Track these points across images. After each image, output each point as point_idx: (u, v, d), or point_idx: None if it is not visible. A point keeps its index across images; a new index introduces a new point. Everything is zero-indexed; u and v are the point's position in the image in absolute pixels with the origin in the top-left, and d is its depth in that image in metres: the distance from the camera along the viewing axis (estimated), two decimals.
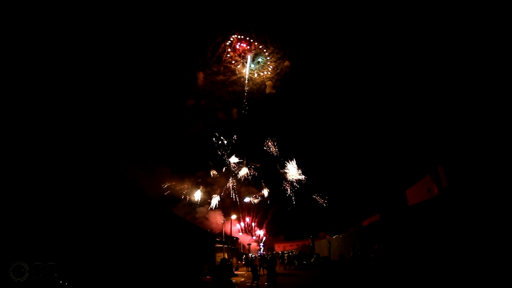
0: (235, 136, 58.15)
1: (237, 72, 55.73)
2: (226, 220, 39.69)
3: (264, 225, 60.26)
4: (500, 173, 10.12)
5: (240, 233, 57.16)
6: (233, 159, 57.48)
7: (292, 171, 56.82)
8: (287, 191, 57.93)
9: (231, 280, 9.64)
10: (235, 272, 22.89)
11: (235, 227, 54.39)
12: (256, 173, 58.41)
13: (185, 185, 54.55)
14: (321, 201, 55.48)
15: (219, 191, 56.41)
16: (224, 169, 58.08)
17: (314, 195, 55.89)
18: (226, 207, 55.13)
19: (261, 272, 18.52)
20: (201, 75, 54.48)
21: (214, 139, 58.39)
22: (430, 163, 18.96)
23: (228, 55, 53.82)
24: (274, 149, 58.68)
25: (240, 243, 48.40)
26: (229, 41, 52.49)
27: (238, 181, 58.23)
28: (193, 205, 54.79)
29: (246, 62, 54.59)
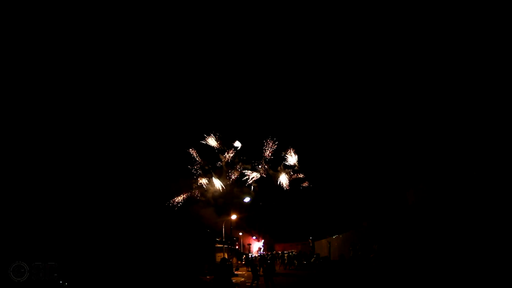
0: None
1: None
2: (224, 219, 39.72)
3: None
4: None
5: (241, 233, 57.16)
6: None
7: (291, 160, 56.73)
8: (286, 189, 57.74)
9: (231, 280, 9.67)
10: (235, 272, 22.90)
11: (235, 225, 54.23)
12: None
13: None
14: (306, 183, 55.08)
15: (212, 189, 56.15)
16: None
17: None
18: (222, 206, 54.92)
19: (261, 272, 18.54)
20: None
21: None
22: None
23: None
24: (270, 151, 58.28)
25: (240, 243, 48.45)
26: None
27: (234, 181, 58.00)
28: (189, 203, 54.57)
29: None
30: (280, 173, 57.45)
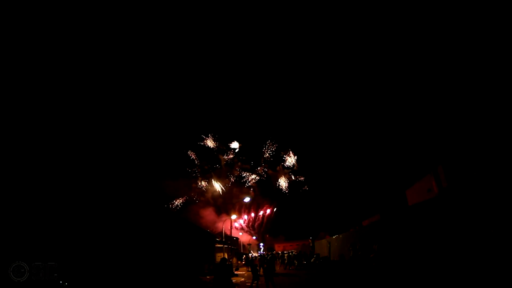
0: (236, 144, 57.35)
1: None
2: (223, 219, 39.57)
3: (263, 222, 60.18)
4: (500, 173, 10.12)
5: (240, 233, 57.13)
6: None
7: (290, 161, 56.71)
8: (286, 191, 57.70)
9: (231, 280, 9.67)
10: (235, 272, 22.90)
11: (236, 224, 54.13)
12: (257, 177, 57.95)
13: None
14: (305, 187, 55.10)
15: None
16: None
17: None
18: (222, 206, 54.90)
19: (261, 272, 18.56)
20: None
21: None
22: (430, 163, 18.98)
23: None
24: (269, 152, 58.04)
25: (240, 243, 48.44)
26: None
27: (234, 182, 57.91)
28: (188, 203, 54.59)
29: None
30: (280, 174, 57.46)
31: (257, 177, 58.05)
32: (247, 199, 52.73)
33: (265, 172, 58.28)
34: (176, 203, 54.08)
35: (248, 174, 58.12)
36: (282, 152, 57.90)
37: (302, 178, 57.20)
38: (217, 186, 56.55)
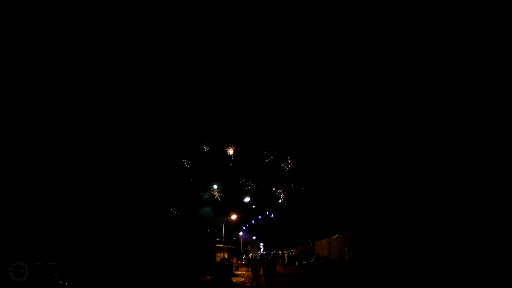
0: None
1: None
2: (224, 219, 39.55)
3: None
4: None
5: (241, 233, 57.22)
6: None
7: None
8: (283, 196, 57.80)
9: (231, 280, 9.68)
10: (235, 272, 22.91)
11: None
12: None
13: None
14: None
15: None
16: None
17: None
18: (222, 207, 54.85)
19: (261, 272, 18.57)
20: None
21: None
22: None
23: None
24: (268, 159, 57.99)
25: (240, 243, 48.50)
26: None
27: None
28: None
29: None
30: (278, 183, 57.43)
31: (254, 185, 58.27)
32: (247, 199, 52.74)
33: (263, 179, 58.41)
34: (176, 204, 54.01)
35: (244, 180, 58.28)
36: (280, 155, 57.95)
37: (302, 187, 57.17)
38: (215, 189, 56.77)
